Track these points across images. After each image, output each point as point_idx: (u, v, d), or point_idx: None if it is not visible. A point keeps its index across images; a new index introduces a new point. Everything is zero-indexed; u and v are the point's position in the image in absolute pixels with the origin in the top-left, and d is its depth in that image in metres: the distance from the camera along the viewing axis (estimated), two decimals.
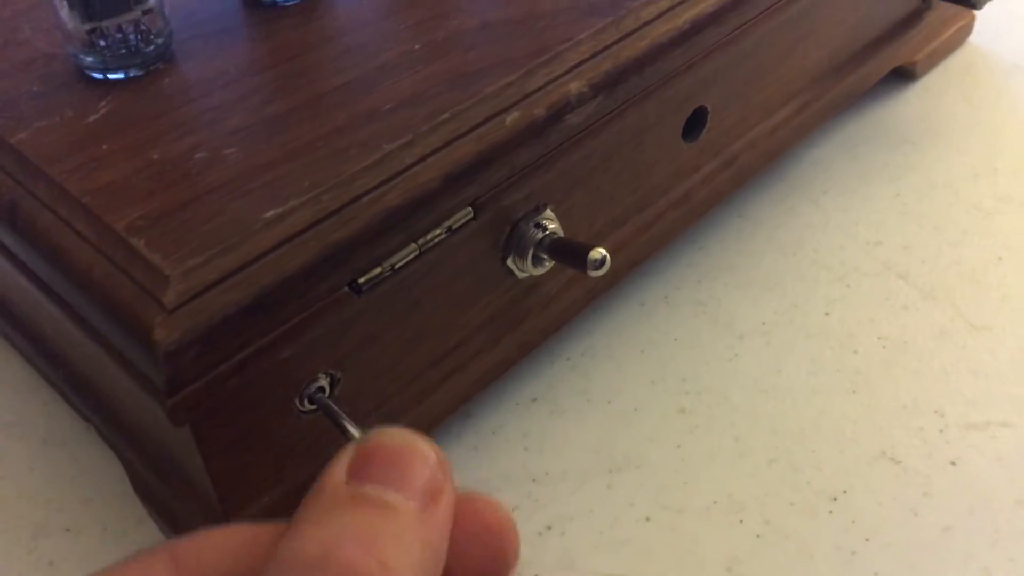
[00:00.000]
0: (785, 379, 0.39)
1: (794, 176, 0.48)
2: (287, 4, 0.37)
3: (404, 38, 0.35)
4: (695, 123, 0.41)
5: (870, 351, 0.40)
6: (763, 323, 0.41)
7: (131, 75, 0.33)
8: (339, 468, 0.18)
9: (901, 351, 0.40)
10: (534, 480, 0.36)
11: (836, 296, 0.42)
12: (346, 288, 0.29)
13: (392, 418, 0.35)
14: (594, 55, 0.35)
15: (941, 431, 0.37)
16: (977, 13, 0.56)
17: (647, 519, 0.35)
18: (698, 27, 0.37)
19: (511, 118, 0.32)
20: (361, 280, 0.29)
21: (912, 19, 0.51)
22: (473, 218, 0.32)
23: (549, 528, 0.35)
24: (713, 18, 0.37)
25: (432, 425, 0.36)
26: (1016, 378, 0.38)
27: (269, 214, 0.28)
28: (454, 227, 0.32)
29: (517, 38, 0.35)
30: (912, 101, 0.53)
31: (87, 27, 0.32)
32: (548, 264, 0.36)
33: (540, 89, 0.33)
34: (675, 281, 0.43)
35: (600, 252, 0.33)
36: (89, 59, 0.33)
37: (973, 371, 0.39)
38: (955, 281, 0.42)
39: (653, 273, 0.44)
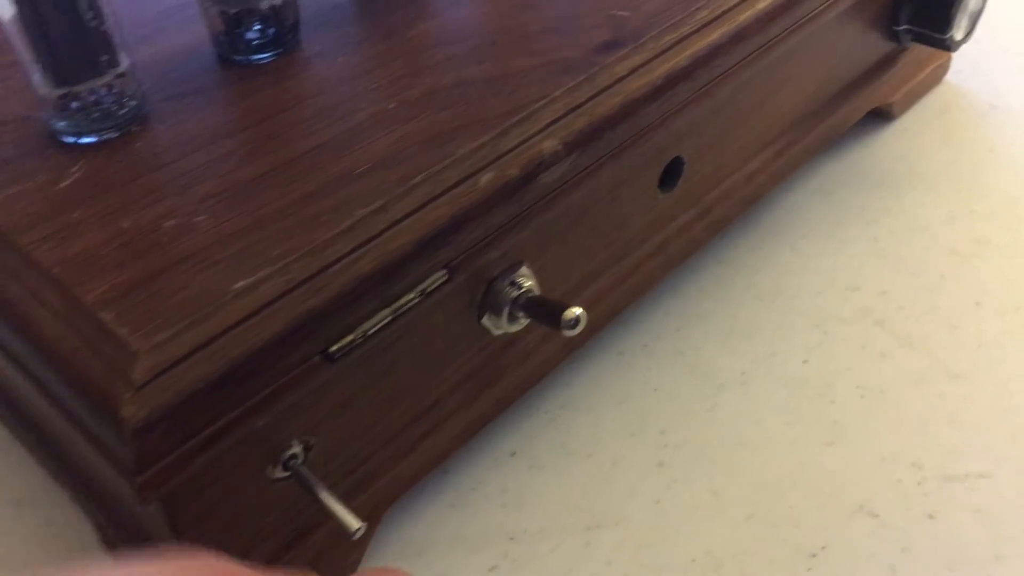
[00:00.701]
0: (763, 430, 0.39)
1: (772, 221, 0.48)
2: (261, 62, 0.37)
3: (379, 97, 0.35)
4: (671, 174, 0.41)
5: (848, 401, 0.40)
6: (742, 372, 0.41)
7: (104, 138, 0.33)
8: None
9: (879, 400, 0.40)
10: (512, 538, 0.36)
11: (814, 344, 0.42)
12: (318, 357, 0.29)
13: (369, 478, 0.34)
14: (568, 113, 0.35)
15: (919, 483, 0.37)
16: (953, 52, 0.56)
17: None
18: (672, 82, 0.37)
19: (485, 179, 0.32)
20: (333, 348, 0.29)
21: (888, 61, 0.51)
22: (447, 280, 0.32)
23: None
24: (686, 73, 0.38)
25: (409, 484, 0.36)
26: (993, 426, 0.38)
27: (238, 285, 0.28)
28: (428, 290, 0.32)
29: (491, 96, 0.35)
30: (889, 142, 0.53)
31: (60, 92, 0.32)
32: (524, 321, 0.36)
33: (514, 149, 0.33)
34: (655, 330, 0.43)
35: (574, 312, 0.33)
36: (61, 124, 0.33)
37: (950, 420, 0.39)
38: (932, 327, 0.43)
39: (632, 322, 0.44)
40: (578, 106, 0.35)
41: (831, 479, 0.37)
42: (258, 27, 0.37)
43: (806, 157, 0.49)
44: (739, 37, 0.39)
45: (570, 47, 0.37)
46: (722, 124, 0.42)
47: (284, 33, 0.37)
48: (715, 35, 0.39)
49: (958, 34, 0.49)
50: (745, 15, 0.40)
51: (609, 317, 0.41)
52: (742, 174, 0.45)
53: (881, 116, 0.54)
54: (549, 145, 0.34)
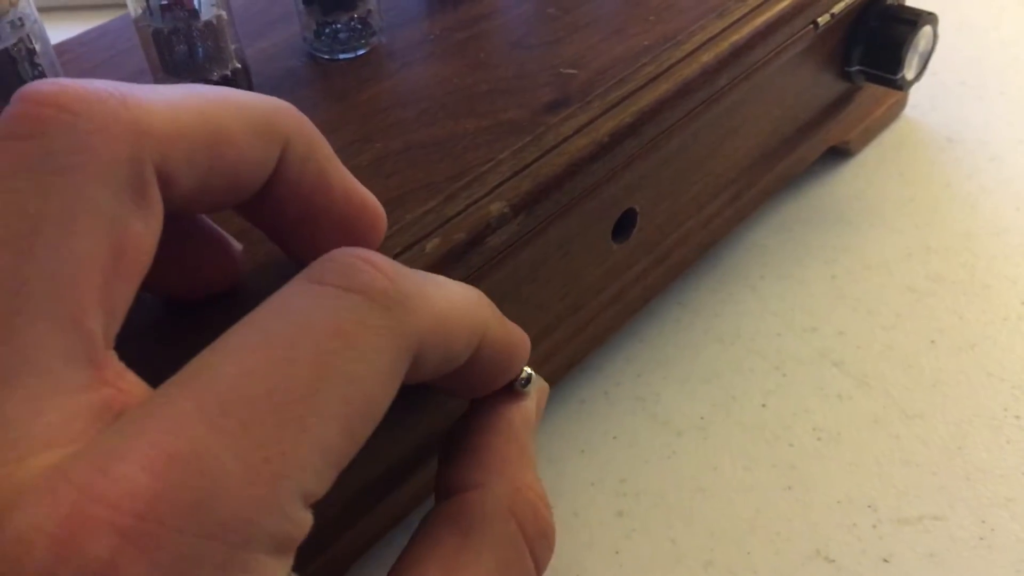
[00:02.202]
0: (721, 476, 0.39)
1: (731, 262, 0.49)
2: None
3: None
4: (625, 225, 0.42)
5: (805, 444, 0.40)
6: (701, 417, 0.42)
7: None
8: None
9: (835, 443, 0.40)
10: None
11: (772, 387, 0.43)
12: None
13: None
14: (514, 175, 0.35)
15: (874, 526, 0.37)
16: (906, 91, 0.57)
17: None
18: (618, 139, 0.38)
19: (431, 244, 0.33)
20: None
21: (843, 100, 0.52)
22: None
23: None
24: (632, 129, 0.38)
25: (364, 548, 0.36)
26: (947, 468, 0.39)
27: None
28: None
29: (439, 160, 0.36)
30: (847, 178, 0.54)
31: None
32: None
33: (461, 213, 0.34)
34: (615, 376, 0.44)
35: (525, 372, 0.33)
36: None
37: (905, 461, 0.39)
38: (888, 367, 0.43)
39: (593, 369, 0.44)
40: (524, 167, 0.36)
41: (788, 524, 0.38)
42: None
43: (764, 198, 0.50)
44: (685, 91, 0.40)
45: (517, 107, 0.38)
46: (674, 173, 0.43)
47: None
48: (661, 90, 0.39)
49: (909, 74, 0.50)
50: (690, 69, 0.40)
51: (568, 368, 0.42)
52: (698, 219, 0.46)
53: (839, 153, 0.54)
54: (496, 208, 0.34)
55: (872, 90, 0.54)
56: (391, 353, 0.22)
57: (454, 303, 0.26)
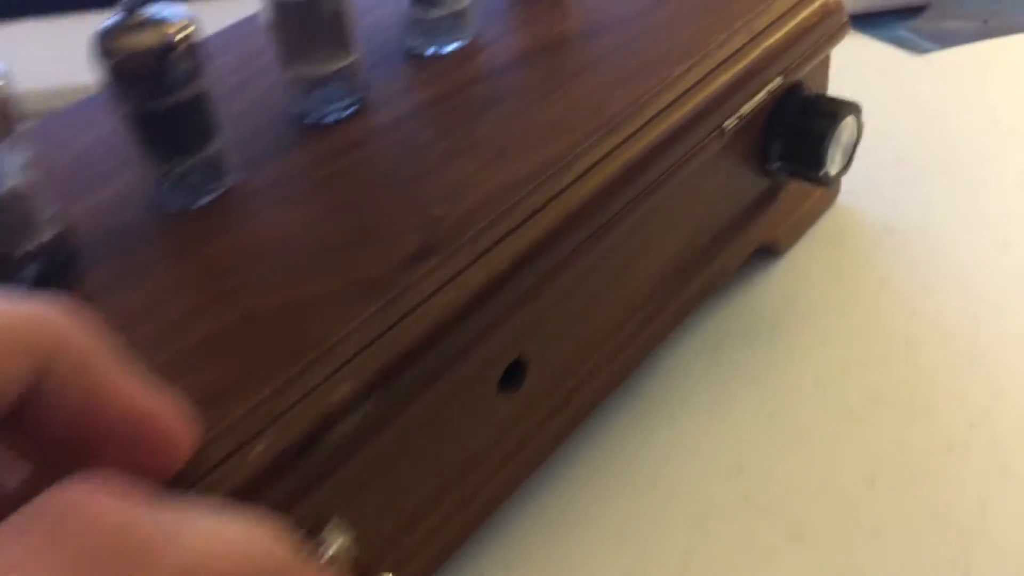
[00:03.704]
0: None
1: (650, 389, 0.44)
2: None
3: (155, 345, 0.31)
4: (513, 376, 0.37)
5: None
6: None
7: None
8: None
9: None
10: None
11: (694, 543, 0.38)
12: None
13: None
14: (364, 348, 0.31)
15: None
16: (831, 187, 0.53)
17: None
18: (491, 290, 0.33)
19: (255, 452, 0.28)
20: None
21: (767, 198, 0.48)
22: None
23: None
24: (508, 277, 0.34)
25: None
26: None
27: None
28: None
29: (279, 334, 0.31)
30: (778, 281, 0.49)
31: None
32: None
33: (296, 404, 0.29)
34: (518, 545, 0.39)
35: None
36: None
37: None
38: (823, 514, 0.38)
39: (489, 540, 0.39)
40: (378, 336, 0.31)
41: None
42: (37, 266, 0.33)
43: (682, 316, 0.45)
44: (571, 224, 0.36)
45: (376, 261, 0.33)
46: (569, 311, 0.38)
47: (54, 272, 0.33)
48: (542, 227, 0.35)
49: (833, 169, 0.46)
50: (577, 197, 0.36)
51: (456, 544, 0.37)
52: (605, 353, 0.41)
53: (769, 252, 0.50)
54: (341, 393, 0.30)
55: (799, 183, 0.49)
56: None
57: (227, 547, 0.21)
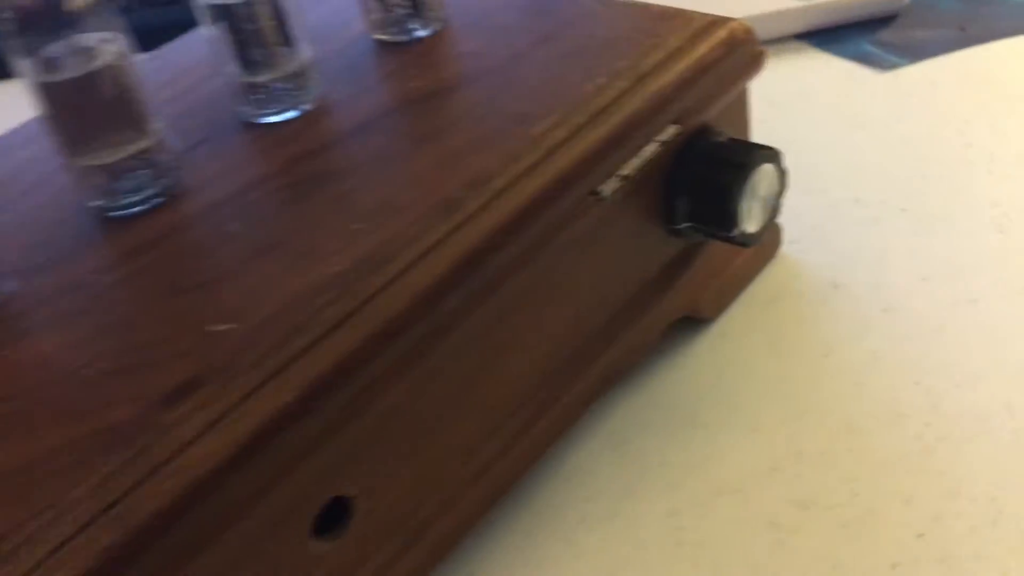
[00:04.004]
0: None
1: (545, 497, 0.38)
2: None
3: None
4: (333, 517, 0.31)
5: None
6: None
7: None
8: None
9: None
10: None
11: None
12: None
13: None
14: (90, 521, 0.25)
15: None
16: (784, 218, 0.46)
17: None
18: (275, 428, 0.27)
19: None
20: None
21: (680, 264, 0.41)
22: None
23: None
24: (300, 407, 0.28)
25: None
26: None
27: None
28: None
29: None
30: (703, 356, 0.42)
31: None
32: None
33: None
34: None
35: None
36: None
37: None
38: None
39: None
40: (111, 504, 0.25)
41: None
42: None
43: (578, 413, 0.38)
44: (389, 330, 0.29)
45: (129, 399, 0.27)
46: (408, 429, 0.32)
47: None
48: (350, 339, 0.29)
49: (751, 227, 0.39)
50: (402, 296, 0.30)
51: None
52: (470, 471, 0.35)
53: (695, 320, 0.43)
54: None
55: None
56: None
57: None
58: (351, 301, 0.29)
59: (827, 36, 0.60)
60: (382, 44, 0.41)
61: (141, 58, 0.42)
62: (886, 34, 0.59)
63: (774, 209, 0.40)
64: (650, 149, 0.36)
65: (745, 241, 0.39)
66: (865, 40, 0.59)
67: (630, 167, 0.35)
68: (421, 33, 0.41)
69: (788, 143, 0.51)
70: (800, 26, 0.59)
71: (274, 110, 0.37)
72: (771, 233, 0.45)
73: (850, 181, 0.49)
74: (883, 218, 0.47)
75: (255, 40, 0.36)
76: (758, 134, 0.51)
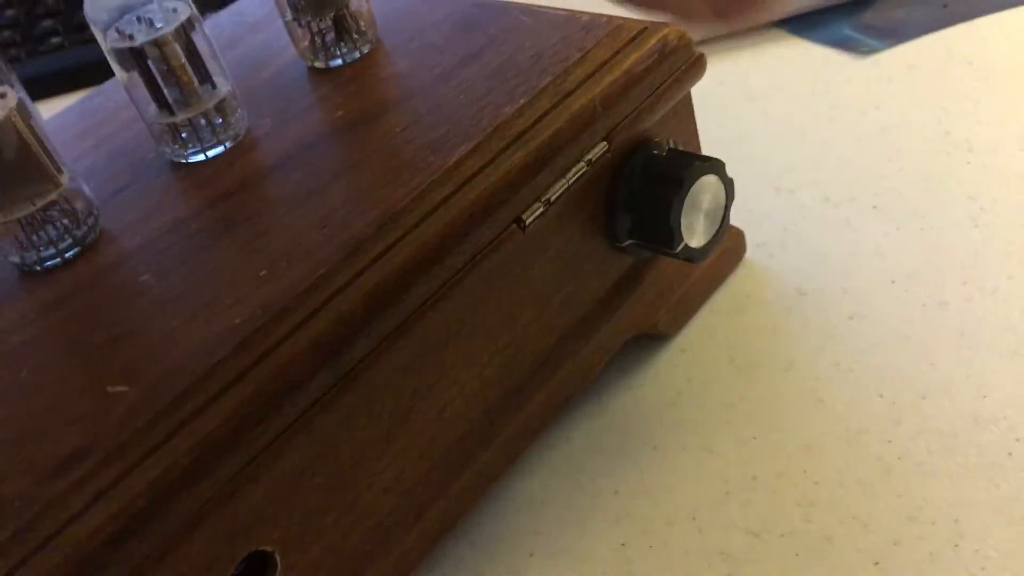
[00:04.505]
0: None
1: (495, 531, 0.37)
2: None
3: None
4: (256, 570, 0.30)
5: None
6: None
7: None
8: None
9: None
10: None
11: None
12: None
13: None
14: None
15: None
16: (752, 221, 0.44)
17: None
18: (167, 494, 0.26)
19: None
20: None
21: (628, 282, 0.39)
22: None
23: None
24: (196, 472, 0.27)
25: None
26: None
27: None
28: None
29: None
30: (661, 375, 0.41)
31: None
32: None
33: None
34: None
35: None
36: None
37: None
38: None
39: None
40: None
41: None
42: None
43: (528, 440, 0.37)
44: (289, 387, 0.28)
45: (19, 471, 0.27)
46: (327, 478, 0.31)
47: None
48: (248, 392, 0.28)
49: (695, 241, 0.37)
50: (304, 348, 0.29)
51: None
52: (406, 511, 0.34)
53: (655, 338, 0.42)
54: None
55: None
56: None
57: None
58: (248, 356, 0.28)
59: (805, 21, 0.57)
60: (313, 71, 0.40)
61: (76, 101, 0.42)
62: (867, 16, 0.57)
63: (722, 221, 0.38)
64: (578, 169, 0.34)
65: (691, 256, 0.37)
66: (846, 23, 0.57)
67: (557, 191, 0.34)
68: (350, 57, 0.40)
69: (760, 140, 0.50)
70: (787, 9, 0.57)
71: (196, 148, 0.36)
72: (735, 240, 0.44)
73: (821, 179, 0.47)
74: (853, 218, 0.45)
75: (169, 80, 0.35)
76: (731, 133, 0.50)
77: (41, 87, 0.72)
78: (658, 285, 0.40)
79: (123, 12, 0.35)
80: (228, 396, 0.28)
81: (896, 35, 0.55)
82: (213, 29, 0.45)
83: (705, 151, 0.41)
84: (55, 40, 0.75)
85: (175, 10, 0.35)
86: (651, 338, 0.41)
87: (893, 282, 0.41)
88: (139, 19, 0.35)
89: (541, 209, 0.34)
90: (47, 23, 0.77)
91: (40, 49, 0.75)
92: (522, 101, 0.34)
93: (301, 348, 0.29)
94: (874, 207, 0.45)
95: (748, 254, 0.44)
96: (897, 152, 0.47)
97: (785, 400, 0.38)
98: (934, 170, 0.46)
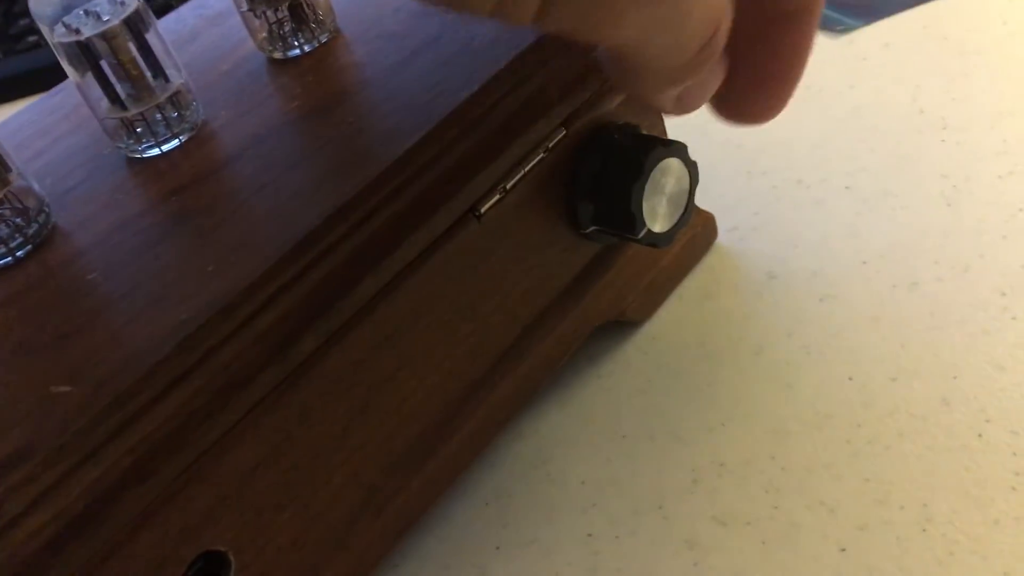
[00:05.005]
0: None
1: (462, 524, 0.36)
2: None
3: None
4: (213, 570, 0.30)
5: None
6: None
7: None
8: None
9: None
10: None
11: None
12: None
13: None
14: None
15: None
16: (723, 205, 0.44)
17: None
18: (107, 497, 0.26)
19: None
20: None
21: (595, 269, 0.39)
22: None
23: None
24: (139, 471, 0.26)
25: None
26: None
27: None
28: None
29: None
30: (631, 362, 0.40)
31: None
32: None
33: None
34: None
35: None
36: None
37: None
38: None
39: None
40: None
41: None
42: None
43: (493, 431, 0.37)
44: (236, 384, 0.28)
45: None
46: (280, 475, 0.30)
47: None
48: (194, 388, 0.27)
49: (658, 226, 0.36)
50: (251, 343, 0.28)
51: None
52: (366, 507, 0.33)
53: (623, 324, 0.41)
54: None
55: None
56: None
57: None
58: (192, 353, 0.28)
59: None
60: (272, 61, 0.39)
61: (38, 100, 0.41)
62: None
63: (687, 206, 0.37)
64: (536, 157, 0.34)
65: (655, 242, 0.37)
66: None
67: (512, 178, 0.33)
68: (308, 47, 0.39)
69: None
70: None
71: (151, 143, 0.36)
72: (705, 225, 0.43)
73: (794, 160, 0.46)
74: (826, 199, 0.44)
75: (119, 74, 0.35)
76: (701, 116, 0.49)
77: (19, 86, 0.72)
78: (626, 272, 0.40)
79: (69, 7, 0.34)
80: (172, 394, 0.27)
81: (873, 12, 0.54)
82: (175, 23, 0.44)
83: (674, 135, 0.40)
84: (32, 39, 0.75)
85: (122, 3, 0.34)
86: (620, 325, 0.41)
87: (864, 263, 0.40)
88: (86, 13, 0.34)
89: (497, 197, 0.33)
90: (24, 21, 0.77)
91: (17, 48, 0.75)
92: (476, 87, 0.34)
93: (247, 344, 0.28)
94: (847, 187, 0.44)
95: (719, 239, 0.44)
96: (871, 131, 0.47)
97: (753, 386, 0.38)
98: (908, 148, 0.45)
